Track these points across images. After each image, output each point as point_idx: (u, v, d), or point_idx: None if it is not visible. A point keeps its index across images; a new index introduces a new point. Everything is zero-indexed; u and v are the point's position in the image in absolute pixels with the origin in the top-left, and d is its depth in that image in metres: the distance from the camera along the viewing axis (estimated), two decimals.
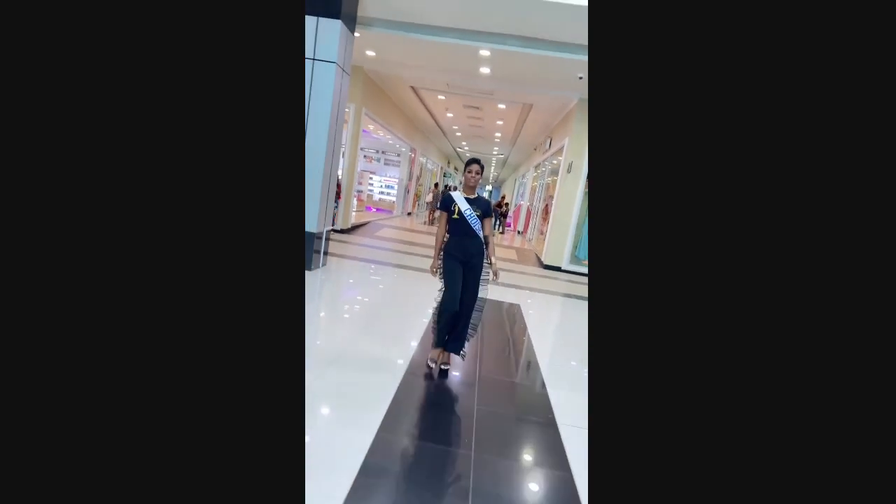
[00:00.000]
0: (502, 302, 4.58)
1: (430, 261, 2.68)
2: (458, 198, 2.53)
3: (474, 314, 2.63)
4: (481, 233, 2.54)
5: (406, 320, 3.65)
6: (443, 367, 2.64)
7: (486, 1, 4.17)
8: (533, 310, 4.59)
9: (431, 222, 12.64)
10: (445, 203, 2.55)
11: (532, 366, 3.05)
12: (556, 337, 3.95)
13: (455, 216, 2.51)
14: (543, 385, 2.69)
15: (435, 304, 2.67)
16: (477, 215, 2.51)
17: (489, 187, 38.22)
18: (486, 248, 2.58)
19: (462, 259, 2.53)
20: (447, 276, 2.54)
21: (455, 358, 2.74)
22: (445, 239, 2.58)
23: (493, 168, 23.84)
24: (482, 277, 2.60)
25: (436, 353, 2.65)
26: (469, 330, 2.63)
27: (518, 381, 2.82)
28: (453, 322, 2.58)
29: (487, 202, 2.61)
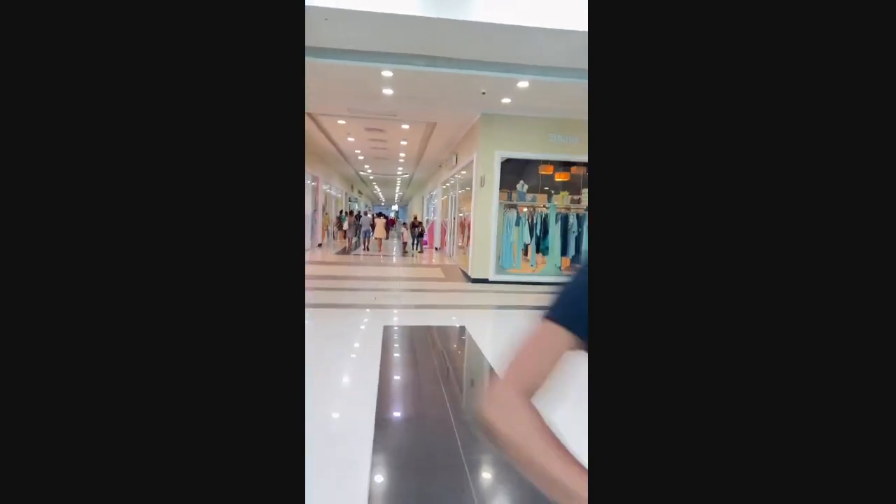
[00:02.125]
0: (447, 327, 4.40)
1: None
2: None
3: None
4: None
5: (355, 366, 3.28)
6: None
7: (389, 22, 4.03)
8: (477, 328, 4.47)
9: (349, 250, 12.06)
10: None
11: None
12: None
13: None
14: None
15: None
16: None
17: (395, 207, 37.94)
18: None
19: None
20: None
21: (416, 410, 2.44)
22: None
23: (398, 188, 23.78)
24: None
25: None
26: None
27: None
28: None
29: None
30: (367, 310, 5.00)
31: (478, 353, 3.59)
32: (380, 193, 28.73)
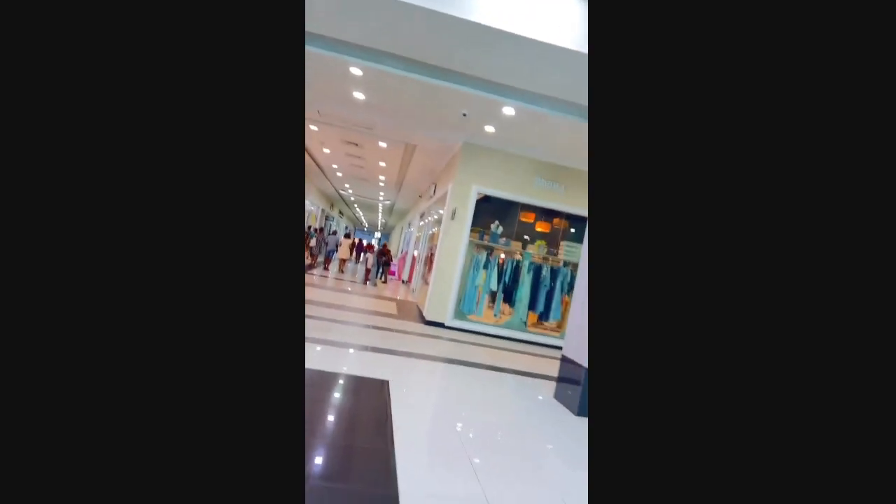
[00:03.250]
0: (367, 378, 3.47)
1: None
2: None
3: None
4: None
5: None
6: None
7: (354, 2, 3.36)
8: (403, 386, 3.55)
9: (310, 267, 11.05)
10: None
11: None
12: (431, 431, 2.92)
13: None
14: None
15: None
16: None
17: (378, 234, 37.45)
18: None
19: None
20: None
21: None
22: None
23: (380, 214, 23.14)
24: None
25: None
26: None
27: None
28: None
29: None
30: None
31: (382, 419, 2.67)
32: (362, 217, 28.19)
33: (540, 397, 3.93)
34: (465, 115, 5.13)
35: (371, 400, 3.06)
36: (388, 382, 3.44)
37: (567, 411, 3.58)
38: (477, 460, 2.42)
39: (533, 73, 3.86)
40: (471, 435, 2.79)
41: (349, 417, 2.76)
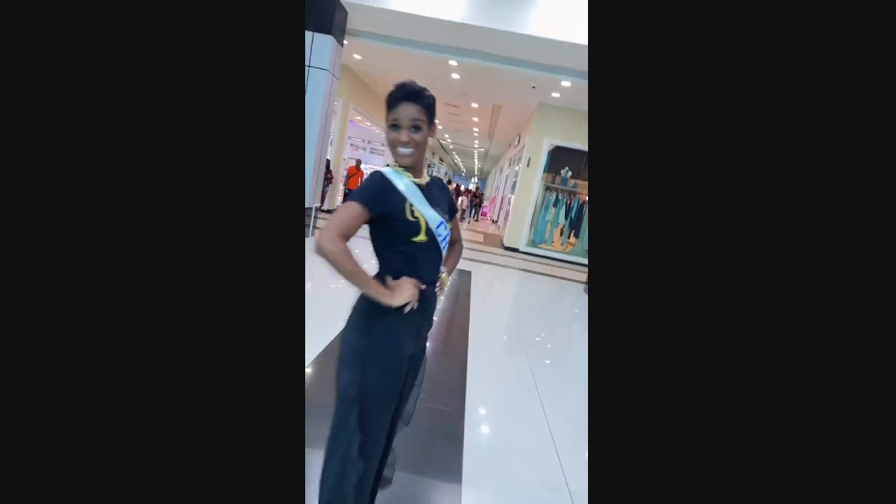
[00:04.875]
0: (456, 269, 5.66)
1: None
2: (412, 192, 1.03)
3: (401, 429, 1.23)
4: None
5: None
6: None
7: (452, 26, 5.18)
8: (481, 278, 5.68)
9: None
10: (379, 198, 0.99)
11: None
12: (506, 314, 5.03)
13: (419, 238, 1.01)
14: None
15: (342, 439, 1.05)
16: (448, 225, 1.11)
17: (475, 179, 31.64)
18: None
19: (413, 347, 1.10)
20: (376, 398, 1.02)
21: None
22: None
23: (476, 160, 24.75)
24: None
25: None
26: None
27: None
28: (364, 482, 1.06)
29: (445, 188, 1.19)
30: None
31: (466, 294, 4.84)
32: (460, 163, 29.46)
33: (577, 289, 5.81)
34: (534, 87, 6.71)
35: (460, 279, 5.25)
36: (470, 273, 5.61)
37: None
38: (520, 314, 4.49)
39: (577, 60, 5.37)
40: (520, 305, 4.85)
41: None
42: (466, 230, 11.21)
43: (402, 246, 1.02)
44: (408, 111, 1.00)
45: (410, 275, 1.01)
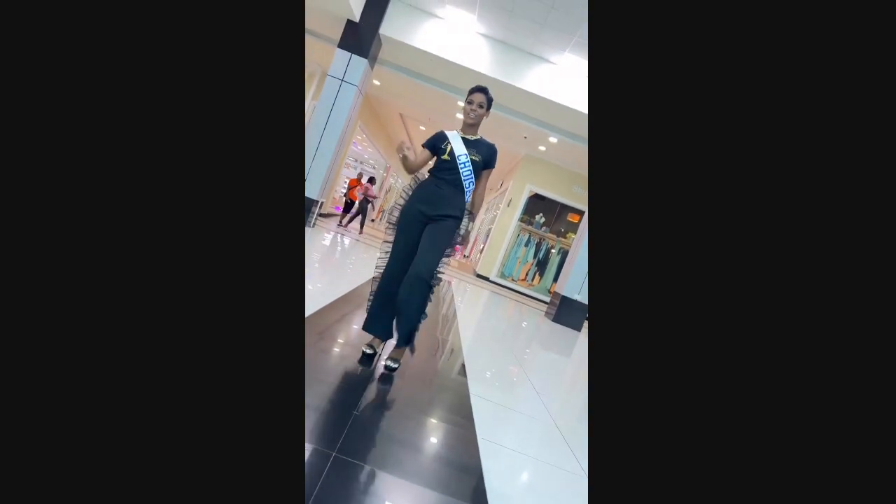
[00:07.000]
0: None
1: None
2: (454, 136, 1.87)
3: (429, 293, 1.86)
4: (471, 188, 1.87)
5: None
6: (388, 365, 1.85)
7: (465, 74, 6.16)
8: (458, 287, 6.36)
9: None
10: (435, 141, 1.90)
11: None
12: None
13: (445, 157, 1.83)
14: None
15: (376, 273, 1.96)
16: (475, 161, 1.85)
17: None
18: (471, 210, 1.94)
19: (428, 215, 1.84)
20: (397, 238, 1.89)
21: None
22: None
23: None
24: (448, 246, 1.87)
25: (376, 340, 1.93)
26: (421, 314, 1.87)
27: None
28: (387, 301, 1.88)
29: (491, 147, 1.93)
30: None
31: (448, 293, 5.50)
32: None
33: (538, 314, 6.58)
34: (525, 137, 7.78)
35: (443, 285, 5.91)
36: (451, 281, 6.28)
37: (548, 320, 6.22)
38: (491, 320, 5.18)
39: (565, 120, 6.45)
40: (493, 314, 5.55)
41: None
42: None
43: (439, 163, 1.91)
44: (479, 96, 1.88)
45: (436, 178, 1.90)
